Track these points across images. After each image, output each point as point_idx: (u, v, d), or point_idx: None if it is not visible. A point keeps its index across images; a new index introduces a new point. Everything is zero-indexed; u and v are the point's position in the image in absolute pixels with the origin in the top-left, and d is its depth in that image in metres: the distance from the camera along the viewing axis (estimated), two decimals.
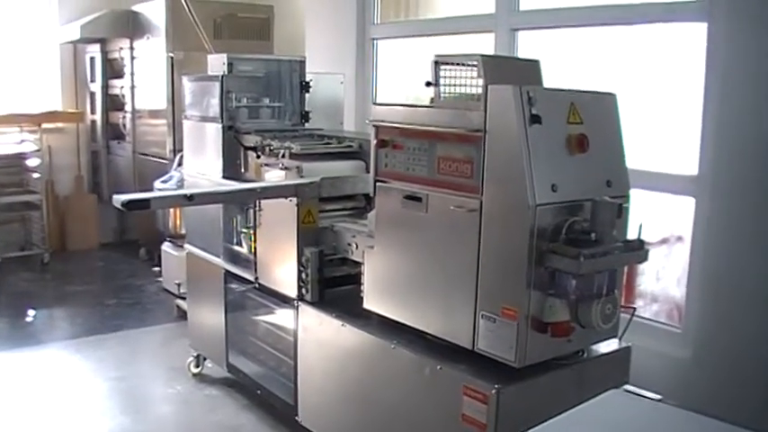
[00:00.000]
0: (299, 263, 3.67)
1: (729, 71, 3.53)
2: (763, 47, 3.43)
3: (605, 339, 3.05)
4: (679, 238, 3.93)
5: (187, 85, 4.65)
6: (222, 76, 4.24)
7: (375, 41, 5.83)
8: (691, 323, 3.77)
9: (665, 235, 4.01)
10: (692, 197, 3.73)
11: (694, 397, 3.38)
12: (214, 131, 4.31)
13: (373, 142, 3.21)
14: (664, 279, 4.07)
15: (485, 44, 4.76)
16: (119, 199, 3.25)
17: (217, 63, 4.39)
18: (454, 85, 2.93)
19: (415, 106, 3.11)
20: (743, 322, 3.54)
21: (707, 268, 3.68)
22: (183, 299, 5.78)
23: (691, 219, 3.74)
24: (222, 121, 4.24)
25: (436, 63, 2.96)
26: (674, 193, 3.85)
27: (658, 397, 1.86)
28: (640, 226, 2.82)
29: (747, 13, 3.48)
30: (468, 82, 2.86)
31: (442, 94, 2.98)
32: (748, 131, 3.50)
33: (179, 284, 5.92)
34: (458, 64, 2.90)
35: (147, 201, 3.42)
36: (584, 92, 2.89)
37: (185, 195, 3.49)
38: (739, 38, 3.50)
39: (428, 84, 2.98)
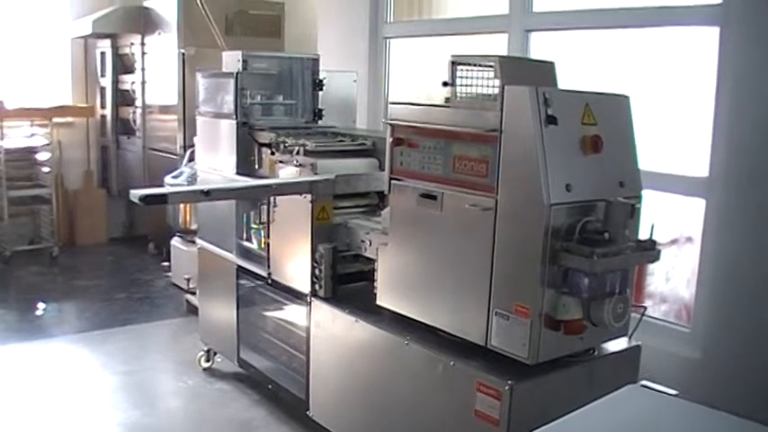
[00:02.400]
0: (313, 259, 3.71)
1: (741, 75, 3.56)
2: None
3: (616, 338, 3.09)
4: (689, 239, 3.97)
5: (201, 82, 4.68)
6: (237, 73, 4.27)
7: (388, 40, 5.87)
8: (700, 323, 3.81)
9: (675, 236, 4.04)
10: (702, 198, 3.76)
11: (702, 396, 3.40)
12: (228, 128, 4.34)
13: (389, 140, 3.24)
14: (673, 279, 4.11)
15: (497, 45, 4.79)
16: (136, 194, 3.29)
17: (231, 60, 4.43)
18: (470, 86, 2.96)
19: (432, 105, 3.14)
20: (752, 323, 3.58)
21: (716, 269, 3.71)
22: (193, 294, 5.83)
23: (701, 220, 3.77)
24: (237, 118, 4.27)
25: (453, 63, 2.99)
26: (685, 195, 3.89)
27: (675, 392, 1.89)
28: (652, 226, 2.86)
29: (760, 18, 3.51)
30: (485, 82, 2.89)
31: (458, 94, 3.01)
32: (759, 134, 3.53)
33: (188, 279, 5.97)
34: (474, 64, 2.93)
35: (164, 196, 3.47)
36: (598, 93, 2.93)
37: (202, 191, 3.52)
38: (751, 42, 3.53)
39: (445, 84, 3.01)
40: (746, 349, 3.58)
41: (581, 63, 4.42)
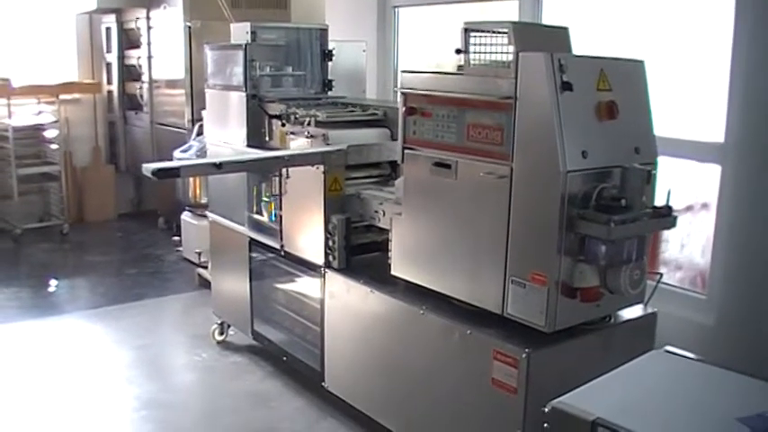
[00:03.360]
0: (326, 230, 3.70)
1: (757, 38, 3.51)
2: None
3: (632, 305, 3.08)
4: (704, 206, 3.94)
5: (209, 54, 4.65)
6: (246, 45, 4.24)
7: (396, 9, 5.81)
8: (715, 290, 3.78)
9: (691, 202, 4.01)
10: (717, 165, 3.72)
11: (717, 362, 3.40)
12: (238, 100, 4.32)
13: (401, 109, 3.22)
14: (688, 246, 4.08)
15: (508, 12, 4.73)
16: (149, 167, 3.27)
17: (240, 32, 4.40)
18: (484, 53, 2.93)
19: (445, 73, 3.12)
20: (766, 290, 3.56)
21: (732, 235, 3.68)
22: (204, 267, 5.84)
23: (716, 186, 3.74)
24: (246, 90, 4.25)
25: (466, 30, 2.96)
26: (700, 161, 3.85)
27: (697, 357, 1.88)
28: (669, 192, 2.84)
29: None
30: (499, 49, 2.86)
31: (471, 62, 2.98)
32: None
33: (199, 253, 5.98)
34: (488, 31, 2.90)
35: (177, 169, 3.44)
36: (613, 59, 2.90)
37: (215, 163, 3.50)
38: None
39: (458, 51, 2.98)
40: (761, 316, 3.57)
41: (594, 28, 4.35)
